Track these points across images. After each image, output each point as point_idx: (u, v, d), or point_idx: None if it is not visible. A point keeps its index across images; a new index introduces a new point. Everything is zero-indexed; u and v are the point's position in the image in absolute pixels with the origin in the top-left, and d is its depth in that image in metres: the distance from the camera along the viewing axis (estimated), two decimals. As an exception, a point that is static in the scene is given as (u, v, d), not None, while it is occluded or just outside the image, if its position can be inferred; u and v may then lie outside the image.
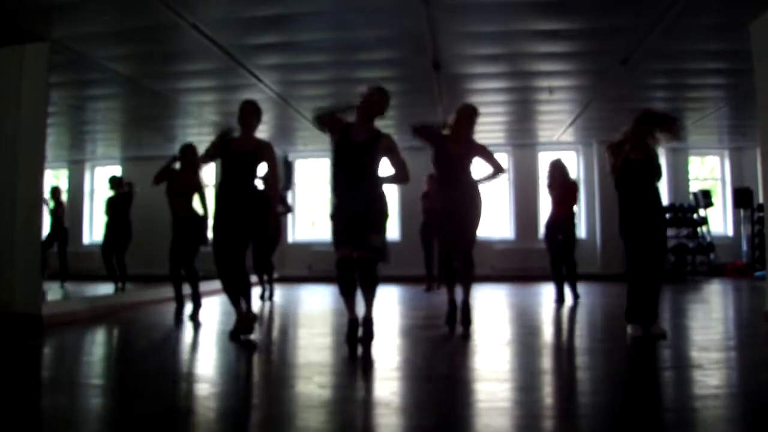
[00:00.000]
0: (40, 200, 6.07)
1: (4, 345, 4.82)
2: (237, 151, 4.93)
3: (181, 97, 8.58)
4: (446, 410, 2.93)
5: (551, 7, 5.71)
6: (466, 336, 4.96)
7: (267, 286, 8.49)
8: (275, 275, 8.93)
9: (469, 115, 5.34)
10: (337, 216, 4.58)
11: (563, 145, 12.44)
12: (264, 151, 4.99)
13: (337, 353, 4.50)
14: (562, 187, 7.57)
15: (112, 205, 8.81)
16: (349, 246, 4.48)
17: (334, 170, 4.63)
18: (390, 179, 4.67)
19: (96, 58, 6.77)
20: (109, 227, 8.82)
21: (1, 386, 3.42)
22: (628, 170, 4.82)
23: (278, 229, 8.68)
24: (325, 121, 4.64)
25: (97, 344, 5.34)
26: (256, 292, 6.65)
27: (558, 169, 7.65)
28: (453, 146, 5.26)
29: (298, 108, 9.12)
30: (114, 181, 8.88)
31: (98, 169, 13.38)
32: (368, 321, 4.52)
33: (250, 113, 5.01)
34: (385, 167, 4.62)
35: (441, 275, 8.34)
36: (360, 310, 4.59)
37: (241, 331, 4.92)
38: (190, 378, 3.63)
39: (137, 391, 3.43)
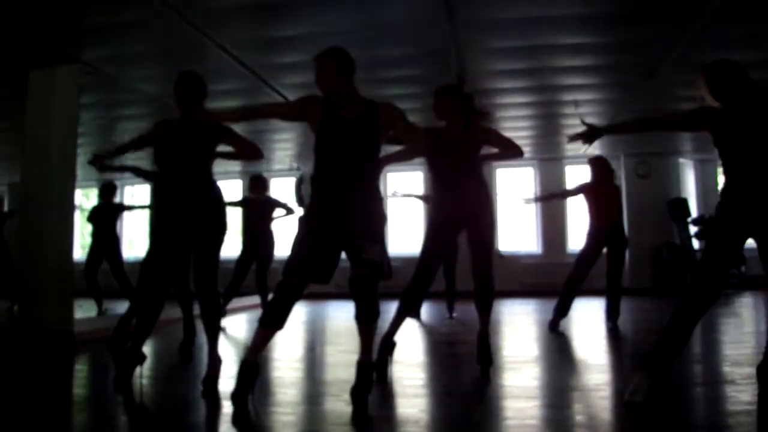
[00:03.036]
0: (71, 219, 6.18)
1: (38, 361, 4.90)
2: (179, 136, 3.87)
3: (207, 117, 8.68)
4: (474, 428, 2.91)
5: (575, 21, 5.69)
6: (485, 377, 3.98)
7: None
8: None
9: (455, 94, 4.28)
10: (312, 223, 3.39)
11: (589, 159, 12.33)
12: (215, 128, 3.84)
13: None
14: (609, 189, 6.53)
15: (96, 215, 8.31)
16: (313, 277, 3.36)
17: (317, 159, 3.53)
18: (404, 154, 3.67)
19: (125, 79, 6.93)
20: (95, 240, 8.25)
21: (32, 402, 3.47)
22: (731, 128, 3.29)
23: (270, 240, 7.60)
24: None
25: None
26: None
27: (604, 167, 6.57)
28: (448, 132, 4.16)
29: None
30: (105, 189, 8.40)
31: (128, 188, 13.65)
32: (369, 366, 3.34)
33: (189, 87, 3.87)
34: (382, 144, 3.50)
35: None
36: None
37: (209, 380, 3.73)
38: (215, 395, 3.64)
39: (162, 408, 3.47)
